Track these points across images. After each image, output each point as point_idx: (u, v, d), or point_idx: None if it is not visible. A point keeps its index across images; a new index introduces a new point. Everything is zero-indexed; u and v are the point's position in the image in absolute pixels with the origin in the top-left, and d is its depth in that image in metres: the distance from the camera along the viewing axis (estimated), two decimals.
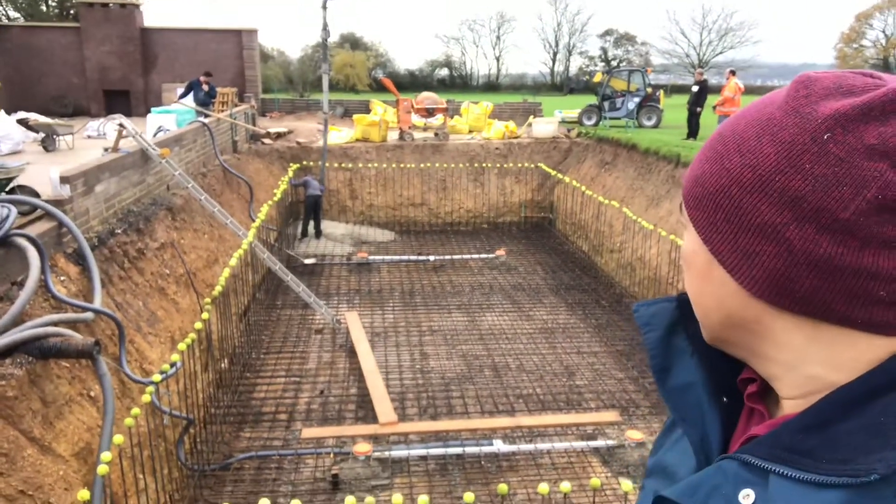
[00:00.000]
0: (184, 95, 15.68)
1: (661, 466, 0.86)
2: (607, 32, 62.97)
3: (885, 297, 0.62)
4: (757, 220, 0.65)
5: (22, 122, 13.33)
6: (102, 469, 4.01)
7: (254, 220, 10.62)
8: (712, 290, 0.72)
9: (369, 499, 4.09)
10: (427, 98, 17.81)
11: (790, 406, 0.71)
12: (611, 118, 19.48)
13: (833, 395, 0.66)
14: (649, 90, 19.99)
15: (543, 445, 6.84)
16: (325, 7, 14.87)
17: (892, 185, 0.60)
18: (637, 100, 19.64)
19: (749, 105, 0.73)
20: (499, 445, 6.73)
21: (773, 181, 0.64)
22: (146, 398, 4.89)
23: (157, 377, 5.19)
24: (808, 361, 0.68)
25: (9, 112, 14.86)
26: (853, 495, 0.59)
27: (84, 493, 3.84)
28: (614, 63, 57.60)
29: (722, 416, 0.79)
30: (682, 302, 0.83)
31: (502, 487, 4.12)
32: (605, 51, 63.16)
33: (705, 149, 0.73)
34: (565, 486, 4.28)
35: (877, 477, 0.58)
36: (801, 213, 0.63)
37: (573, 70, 61.84)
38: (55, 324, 4.87)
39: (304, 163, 15.59)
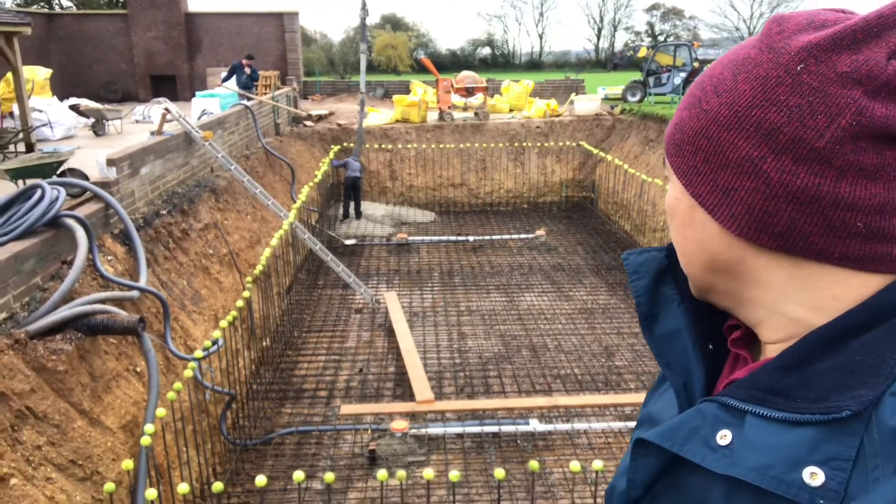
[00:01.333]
0: (226, 79, 15.94)
1: (649, 416, 0.87)
2: (654, 7, 61.41)
3: (863, 229, 0.62)
4: (734, 156, 0.66)
5: (73, 107, 13.77)
6: (145, 440, 4.17)
7: (295, 202, 10.78)
8: (695, 235, 0.73)
9: (401, 473, 4.16)
10: (467, 77, 17.68)
11: (772, 350, 0.71)
12: (656, 94, 19.02)
13: (810, 336, 0.66)
14: (696, 65, 19.40)
15: (580, 425, 6.81)
16: None
17: (866, 111, 0.60)
18: (683, 75, 19.09)
19: (727, 51, 0.73)
20: (535, 425, 6.73)
21: (749, 116, 0.65)
22: (188, 374, 5.04)
23: (199, 353, 5.35)
24: (789, 302, 0.68)
25: (61, 98, 15.38)
26: (826, 432, 0.59)
27: (128, 463, 4.00)
28: (661, 38, 56.10)
29: (706, 363, 0.80)
30: (671, 251, 0.83)
31: (533, 464, 4.13)
32: (651, 26, 61.63)
33: (686, 97, 0.74)
34: (597, 464, 4.26)
35: (848, 413, 0.58)
36: (777, 144, 0.63)
37: (619, 46, 60.52)
38: (102, 301, 5.06)
39: (346, 144, 15.70)
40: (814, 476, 0.58)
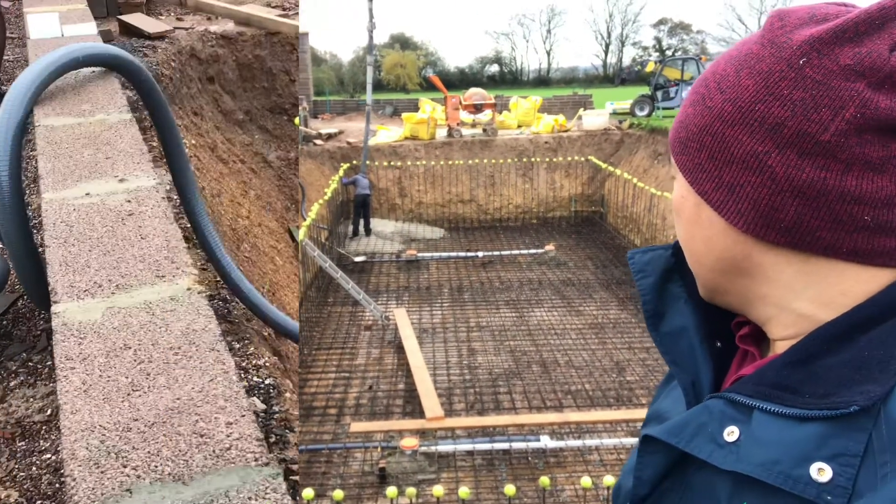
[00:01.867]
0: None
1: (657, 414, 0.85)
2: (661, 22, 61.49)
3: (870, 223, 0.61)
4: (739, 152, 0.65)
5: None
6: None
7: (305, 220, 10.84)
8: (702, 233, 0.72)
9: (410, 490, 4.13)
10: (475, 94, 17.80)
11: (781, 347, 0.69)
12: (664, 108, 19.02)
13: (818, 331, 0.64)
14: None
15: (592, 441, 6.75)
16: None
17: (870, 104, 0.59)
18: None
19: (730, 48, 0.73)
20: (546, 441, 6.67)
21: (752, 111, 0.64)
22: None
23: None
24: (798, 298, 0.67)
25: None
26: (833, 427, 0.58)
27: None
28: (669, 53, 56.30)
29: (714, 361, 0.78)
30: (678, 249, 0.82)
31: (544, 480, 4.09)
32: (659, 41, 61.76)
33: (690, 94, 0.73)
34: (609, 480, 4.22)
35: (856, 408, 0.57)
36: (781, 139, 0.62)
37: (626, 61, 60.69)
38: None
39: (355, 162, 15.81)
40: (821, 472, 0.57)
